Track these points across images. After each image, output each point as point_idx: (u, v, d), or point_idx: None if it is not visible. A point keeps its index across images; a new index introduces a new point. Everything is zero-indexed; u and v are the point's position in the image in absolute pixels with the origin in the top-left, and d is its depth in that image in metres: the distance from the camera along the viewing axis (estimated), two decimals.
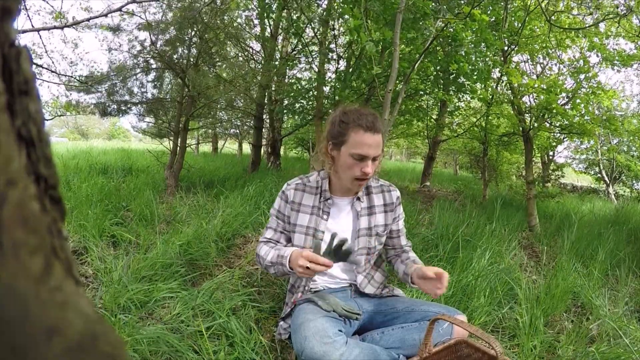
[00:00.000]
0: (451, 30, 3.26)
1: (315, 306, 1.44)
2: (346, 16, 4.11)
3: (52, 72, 5.00)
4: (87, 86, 4.93)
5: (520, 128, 5.15)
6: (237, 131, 12.23)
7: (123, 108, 5.28)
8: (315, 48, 6.22)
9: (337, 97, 4.91)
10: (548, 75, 6.88)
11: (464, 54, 4.08)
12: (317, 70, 5.70)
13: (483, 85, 5.21)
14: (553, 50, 5.92)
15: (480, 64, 4.26)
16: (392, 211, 1.66)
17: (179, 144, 4.93)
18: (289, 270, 1.41)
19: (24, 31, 4.27)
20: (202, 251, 2.54)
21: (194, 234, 2.68)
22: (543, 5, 4.55)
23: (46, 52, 5.17)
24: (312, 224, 1.58)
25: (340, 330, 1.32)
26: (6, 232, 0.18)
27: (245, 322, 1.72)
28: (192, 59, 4.82)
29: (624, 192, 11.23)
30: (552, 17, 4.86)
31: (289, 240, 1.66)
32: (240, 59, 6.90)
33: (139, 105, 5.42)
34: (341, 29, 6.21)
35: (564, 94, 4.78)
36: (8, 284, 0.17)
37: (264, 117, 7.89)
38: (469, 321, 1.92)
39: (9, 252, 0.18)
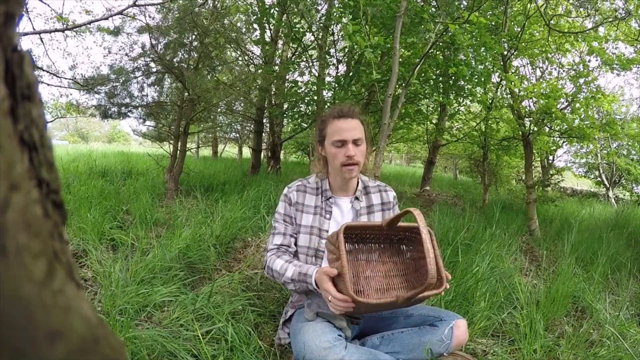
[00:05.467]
0: (449, 34, 3.27)
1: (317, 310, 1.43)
2: (344, 20, 4.12)
3: (53, 74, 5.01)
4: (88, 87, 4.94)
5: (520, 132, 5.16)
6: (237, 135, 12.26)
7: (123, 111, 5.29)
8: (315, 52, 6.25)
9: (337, 102, 4.91)
10: (548, 79, 6.90)
11: (463, 58, 4.09)
12: (317, 74, 5.72)
13: (483, 90, 5.22)
14: (552, 54, 5.94)
15: (480, 67, 4.27)
16: (389, 210, 1.68)
17: (179, 148, 4.93)
18: (315, 288, 1.38)
19: (25, 34, 4.28)
20: (202, 255, 2.53)
21: (193, 237, 2.67)
22: (542, 9, 4.57)
23: (46, 53, 5.18)
24: (316, 223, 1.59)
25: (339, 335, 1.32)
26: (10, 236, 0.18)
27: (244, 326, 1.71)
28: (192, 63, 4.84)
29: (624, 195, 11.23)
30: (551, 22, 4.87)
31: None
32: (240, 62, 6.92)
33: (139, 109, 5.43)
34: (341, 33, 6.24)
35: (563, 99, 4.80)
36: (12, 288, 0.17)
37: (264, 121, 7.91)
38: (469, 326, 1.92)
39: (12, 256, 0.18)
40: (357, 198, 1.64)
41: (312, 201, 1.63)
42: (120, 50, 5.00)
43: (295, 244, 1.64)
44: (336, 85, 5.44)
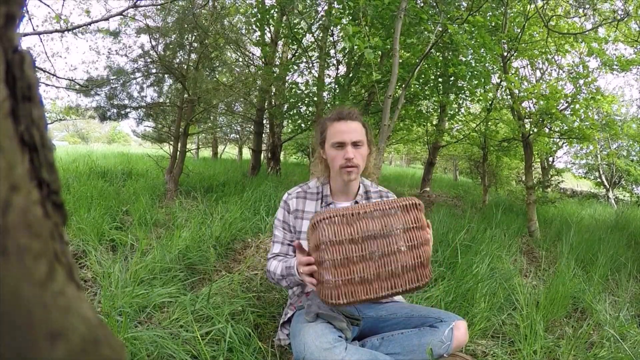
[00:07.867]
0: (449, 33, 3.27)
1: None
2: (344, 21, 4.13)
3: (52, 75, 5.01)
4: (87, 89, 4.94)
5: (520, 133, 5.16)
6: (237, 136, 12.27)
7: (122, 112, 5.28)
8: (315, 53, 6.25)
9: (337, 103, 4.91)
10: (547, 80, 6.90)
11: (462, 59, 4.09)
12: (317, 75, 5.72)
13: (483, 90, 5.23)
14: (552, 55, 5.94)
15: (480, 68, 4.27)
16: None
17: (178, 149, 4.93)
18: (300, 279, 1.40)
19: (25, 34, 4.28)
20: (201, 256, 2.53)
21: (193, 238, 2.67)
22: (541, 10, 4.57)
23: (46, 53, 5.17)
24: None
25: (340, 336, 1.31)
26: (11, 237, 0.18)
27: (244, 327, 1.71)
28: (192, 64, 4.84)
29: (624, 196, 11.22)
30: (551, 22, 4.88)
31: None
32: (240, 63, 6.92)
33: (139, 110, 5.43)
34: (340, 34, 6.24)
35: (563, 100, 4.80)
36: (13, 289, 0.17)
37: (264, 122, 7.91)
38: (469, 327, 1.92)
39: (13, 257, 0.18)
40: (357, 202, 1.63)
41: (312, 207, 1.62)
42: (119, 50, 5.01)
43: (294, 251, 1.63)
44: (336, 86, 5.44)
